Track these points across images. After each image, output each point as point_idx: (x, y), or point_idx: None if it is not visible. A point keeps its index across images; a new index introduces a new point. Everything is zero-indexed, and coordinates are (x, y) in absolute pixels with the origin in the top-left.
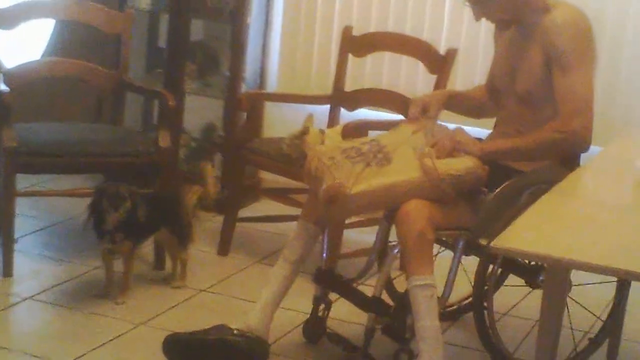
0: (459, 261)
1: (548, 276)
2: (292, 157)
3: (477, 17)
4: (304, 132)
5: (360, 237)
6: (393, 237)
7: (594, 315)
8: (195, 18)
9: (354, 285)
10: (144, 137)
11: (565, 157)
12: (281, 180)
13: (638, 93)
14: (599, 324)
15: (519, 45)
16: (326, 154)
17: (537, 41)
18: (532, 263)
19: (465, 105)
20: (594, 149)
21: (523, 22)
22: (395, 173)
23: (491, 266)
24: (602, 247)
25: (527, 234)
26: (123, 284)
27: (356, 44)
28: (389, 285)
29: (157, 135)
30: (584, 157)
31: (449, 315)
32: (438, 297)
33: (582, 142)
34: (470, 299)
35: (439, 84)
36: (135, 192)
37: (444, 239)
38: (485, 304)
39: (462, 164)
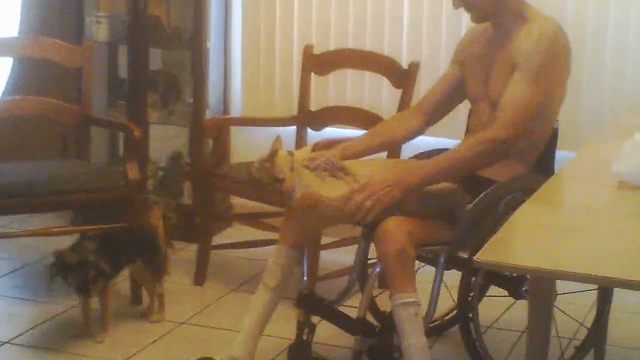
0: (442, 276)
1: (533, 288)
2: (262, 181)
3: (456, 5)
4: (273, 154)
5: (337, 257)
6: (371, 255)
7: (577, 321)
8: (154, 47)
9: (337, 307)
10: (112, 171)
11: (540, 162)
12: (252, 205)
13: (605, 97)
14: (583, 330)
15: (496, 51)
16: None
17: (512, 46)
18: (514, 274)
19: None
20: (567, 154)
21: (500, 25)
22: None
23: (474, 279)
24: (587, 255)
25: (510, 245)
26: (102, 321)
27: (318, 63)
28: (371, 305)
29: (125, 167)
30: (558, 162)
31: (433, 330)
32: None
33: (504, 153)
34: (454, 312)
35: (405, 98)
36: (92, 246)
37: (424, 254)
38: (470, 317)
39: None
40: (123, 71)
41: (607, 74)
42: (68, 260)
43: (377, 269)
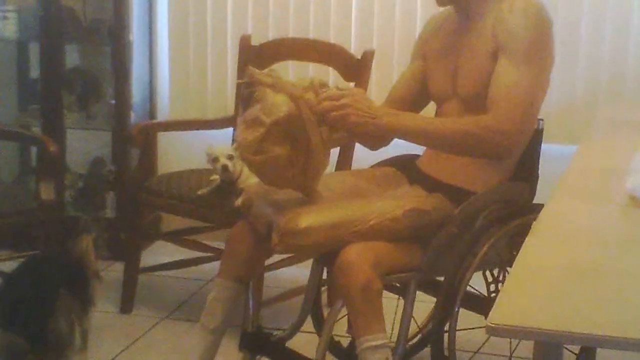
0: (412, 307)
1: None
2: (225, 183)
3: None
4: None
5: (286, 273)
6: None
7: None
8: (70, 43)
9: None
10: (21, 189)
11: (521, 167)
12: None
13: (579, 85)
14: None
15: (463, 40)
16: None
17: (487, 30)
18: (493, 295)
19: None
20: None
21: (465, 9)
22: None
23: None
24: (611, 306)
25: (523, 301)
26: None
27: (257, 55)
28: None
29: (38, 187)
30: (550, 162)
31: None
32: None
33: (509, 148)
34: (418, 337)
35: None
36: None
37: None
38: (446, 356)
39: (428, 200)
40: (35, 71)
41: (582, 61)
42: None
43: (340, 306)
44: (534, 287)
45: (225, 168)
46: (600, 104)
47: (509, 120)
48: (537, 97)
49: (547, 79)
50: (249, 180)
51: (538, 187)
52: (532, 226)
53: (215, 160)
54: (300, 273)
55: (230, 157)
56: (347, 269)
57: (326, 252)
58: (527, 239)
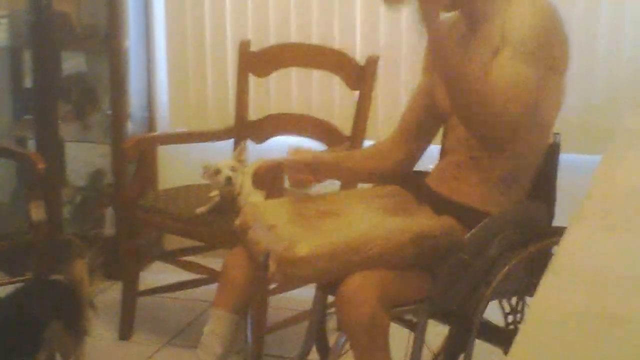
0: (423, 341)
1: None
2: (226, 199)
3: None
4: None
5: (288, 297)
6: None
7: None
8: (65, 50)
9: None
10: (17, 209)
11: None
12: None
13: (598, 91)
14: None
15: (470, 46)
16: (266, 220)
17: (494, 34)
18: (511, 327)
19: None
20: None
21: (471, 13)
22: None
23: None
24: None
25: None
26: None
27: (257, 62)
28: None
29: (29, 207)
30: (569, 174)
31: None
32: None
33: (509, 130)
34: None
35: (363, 100)
36: None
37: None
38: None
39: (437, 223)
40: (29, 79)
41: (600, 64)
42: None
43: (342, 340)
44: (553, 340)
45: (229, 180)
46: (621, 110)
47: (516, 105)
48: (543, 100)
49: (560, 85)
50: (250, 197)
51: (557, 201)
52: (550, 262)
53: (216, 172)
54: (308, 294)
55: (233, 169)
56: (349, 302)
57: (329, 280)
58: (544, 277)
